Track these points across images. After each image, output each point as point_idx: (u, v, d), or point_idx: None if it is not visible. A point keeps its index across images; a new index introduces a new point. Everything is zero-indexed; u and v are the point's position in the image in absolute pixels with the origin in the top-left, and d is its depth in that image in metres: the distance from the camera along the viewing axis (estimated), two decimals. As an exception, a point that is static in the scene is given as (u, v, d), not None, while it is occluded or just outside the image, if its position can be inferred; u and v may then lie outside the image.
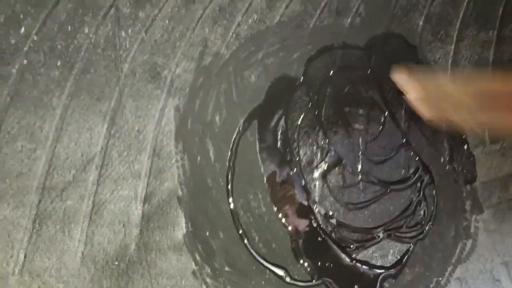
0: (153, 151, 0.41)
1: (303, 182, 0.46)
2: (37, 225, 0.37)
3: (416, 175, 0.50)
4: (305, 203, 0.46)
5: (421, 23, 0.49)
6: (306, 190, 0.46)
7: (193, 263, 0.42)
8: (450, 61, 0.50)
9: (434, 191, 0.50)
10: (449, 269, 0.49)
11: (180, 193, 0.42)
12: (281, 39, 0.45)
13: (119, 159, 0.40)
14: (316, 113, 0.47)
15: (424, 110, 0.40)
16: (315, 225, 0.46)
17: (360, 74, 0.48)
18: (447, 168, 0.52)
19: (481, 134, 0.43)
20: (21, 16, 0.35)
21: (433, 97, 0.40)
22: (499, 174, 0.52)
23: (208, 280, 0.43)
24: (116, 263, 0.40)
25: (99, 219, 0.39)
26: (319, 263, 0.45)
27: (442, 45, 0.50)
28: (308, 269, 0.46)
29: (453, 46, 0.50)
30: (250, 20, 0.43)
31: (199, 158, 0.43)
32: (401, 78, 0.40)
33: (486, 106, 0.37)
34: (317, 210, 0.46)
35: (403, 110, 0.50)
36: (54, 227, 0.38)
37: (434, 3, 0.48)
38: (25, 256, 0.37)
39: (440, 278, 0.49)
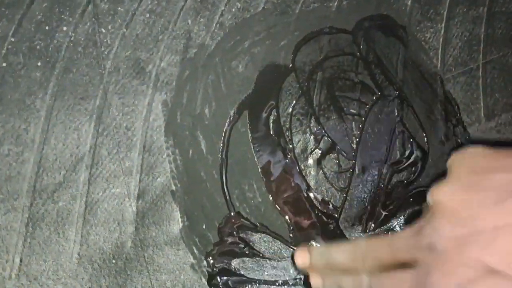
0: (143, 147, 0.41)
1: (298, 170, 0.46)
2: (31, 228, 0.37)
3: (412, 158, 0.50)
4: (302, 190, 0.46)
5: (409, 3, 0.48)
6: (302, 177, 0.46)
7: (191, 257, 0.42)
8: (441, 39, 0.50)
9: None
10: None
11: (173, 187, 0.42)
12: (267, 27, 0.44)
13: (109, 157, 0.40)
14: (307, 99, 0.46)
15: (313, 280, 0.40)
16: (314, 211, 0.46)
17: (349, 58, 0.48)
18: (443, 148, 0.51)
19: None
20: (-4, 18, 0.35)
21: (322, 266, 0.40)
22: (495, 151, 0.52)
23: (207, 272, 0.43)
24: (114, 261, 0.40)
25: (93, 218, 0.39)
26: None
27: (432, 24, 0.49)
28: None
29: (443, 25, 0.49)
30: (233, 9, 0.42)
31: (190, 152, 0.43)
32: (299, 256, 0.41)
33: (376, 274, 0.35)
34: (313, 196, 0.46)
35: (395, 92, 0.49)
36: (48, 229, 0.38)
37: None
38: (21, 260, 0.37)
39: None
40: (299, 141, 0.46)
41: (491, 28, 0.50)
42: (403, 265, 0.34)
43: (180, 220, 0.42)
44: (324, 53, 0.47)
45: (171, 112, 0.42)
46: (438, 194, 0.32)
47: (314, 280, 0.41)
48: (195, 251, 0.42)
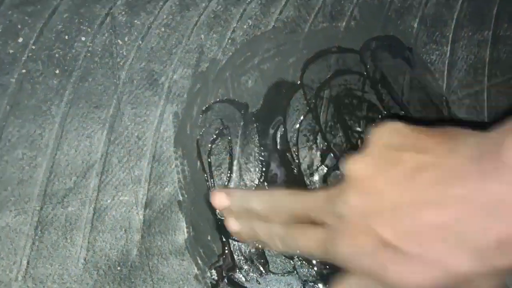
0: (152, 157, 0.41)
1: (303, 185, 0.46)
2: (39, 232, 0.38)
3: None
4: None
5: (415, 25, 0.49)
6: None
7: (195, 268, 0.43)
8: (446, 62, 0.51)
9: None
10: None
11: (180, 197, 0.42)
12: (277, 45, 0.46)
13: (119, 165, 0.40)
14: (314, 116, 0.47)
15: (229, 223, 0.41)
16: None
17: (356, 77, 0.49)
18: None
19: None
20: (19, 26, 0.36)
21: (238, 210, 0.40)
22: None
23: (210, 284, 0.43)
24: (119, 268, 0.40)
25: (100, 225, 0.40)
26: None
27: (438, 46, 0.50)
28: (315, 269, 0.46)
29: (449, 47, 0.50)
30: (245, 26, 0.44)
31: (198, 163, 0.43)
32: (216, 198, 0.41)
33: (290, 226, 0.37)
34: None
35: (401, 112, 0.50)
36: (56, 233, 0.38)
37: (428, 4, 0.49)
38: (28, 263, 0.37)
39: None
40: (305, 157, 0.47)
41: (496, 51, 0.51)
42: (314, 224, 0.35)
43: (185, 230, 0.42)
44: (332, 71, 0.48)
45: (181, 123, 0.43)
46: (351, 165, 0.33)
47: (230, 223, 0.41)
48: (199, 262, 0.42)
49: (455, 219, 0.28)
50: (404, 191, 0.30)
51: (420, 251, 0.29)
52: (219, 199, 0.41)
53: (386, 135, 0.34)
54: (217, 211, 0.43)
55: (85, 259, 0.39)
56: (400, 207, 0.30)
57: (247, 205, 0.40)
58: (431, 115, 0.51)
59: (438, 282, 0.29)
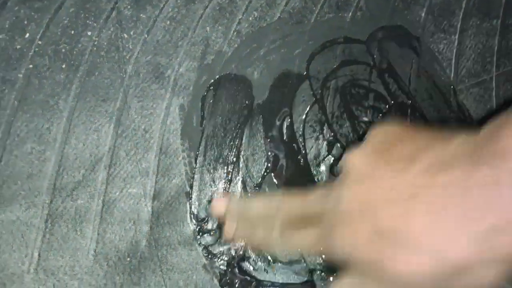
0: (160, 149, 0.42)
1: (310, 175, 0.47)
2: (50, 225, 0.38)
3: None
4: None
5: (423, 14, 0.49)
6: (314, 183, 0.46)
7: (203, 258, 0.43)
8: (454, 51, 0.50)
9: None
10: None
11: (188, 189, 0.43)
12: (282, 36, 0.45)
13: (126, 158, 0.41)
14: (320, 107, 0.47)
15: (227, 229, 0.41)
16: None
17: (363, 67, 0.49)
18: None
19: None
20: (25, 21, 0.36)
21: (237, 216, 0.41)
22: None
23: (219, 273, 0.43)
24: (128, 259, 0.41)
25: (109, 217, 0.40)
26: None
27: (446, 35, 0.50)
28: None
29: (457, 36, 0.50)
30: (250, 18, 0.43)
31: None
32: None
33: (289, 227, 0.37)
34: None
35: (408, 101, 0.50)
36: (66, 226, 0.39)
37: (435, -6, 0.48)
38: (39, 255, 0.38)
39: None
40: (312, 147, 0.47)
41: (505, 40, 0.51)
42: (312, 223, 0.36)
43: (194, 220, 0.43)
44: (338, 62, 0.48)
45: (188, 116, 0.43)
46: (350, 159, 0.34)
47: (228, 228, 0.41)
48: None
49: (451, 204, 0.28)
50: (398, 180, 0.31)
51: (416, 238, 0.29)
52: (218, 206, 0.42)
53: (382, 133, 0.35)
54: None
55: (95, 251, 0.40)
56: (394, 196, 0.30)
57: (245, 209, 0.41)
58: (438, 103, 0.51)
59: (436, 270, 0.29)
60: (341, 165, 0.35)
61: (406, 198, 0.30)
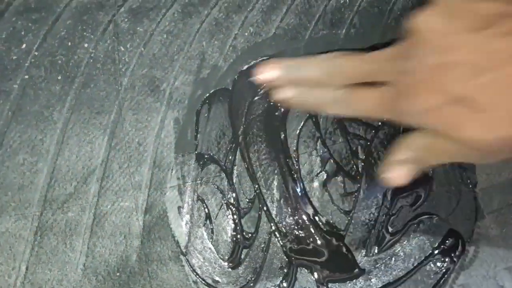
0: (153, 162, 0.42)
1: (303, 191, 0.47)
2: (39, 237, 0.38)
3: (416, 184, 0.50)
4: (307, 211, 0.46)
5: (415, 32, 0.50)
6: (307, 198, 0.46)
7: (194, 274, 0.43)
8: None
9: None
10: (452, 275, 0.49)
11: (180, 203, 0.43)
12: (277, 51, 0.46)
13: (119, 171, 0.40)
14: (314, 122, 0.47)
15: (278, 92, 0.39)
16: (318, 233, 0.46)
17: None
18: (447, 175, 0.52)
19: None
20: (22, 32, 0.36)
21: (288, 79, 0.38)
22: (498, 180, 0.52)
23: (209, 291, 0.43)
24: (118, 274, 0.40)
25: (100, 230, 0.40)
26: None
27: (437, 53, 0.51)
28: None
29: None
30: (246, 33, 0.44)
31: (199, 169, 0.43)
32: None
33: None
34: (317, 218, 0.47)
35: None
36: (56, 239, 0.38)
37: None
38: (27, 268, 0.37)
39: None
40: (305, 163, 0.47)
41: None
42: (372, 84, 0.34)
43: (185, 236, 0.43)
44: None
45: (182, 129, 0.43)
46: (420, 20, 0.31)
47: (280, 92, 0.39)
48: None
49: None
50: (481, 44, 0.29)
51: (500, 103, 0.28)
52: (267, 71, 0.39)
53: None
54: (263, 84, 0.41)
55: (84, 265, 0.39)
56: (477, 61, 0.28)
57: (298, 73, 0.38)
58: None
59: None
60: (410, 25, 0.32)
61: (491, 65, 0.28)
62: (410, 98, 0.31)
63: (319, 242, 0.46)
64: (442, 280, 0.48)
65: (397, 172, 0.36)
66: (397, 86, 0.33)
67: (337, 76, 0.37)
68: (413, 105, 0.31)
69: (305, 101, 0.39)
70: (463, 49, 0.29)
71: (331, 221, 0.47)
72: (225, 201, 0.44)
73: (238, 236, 0.44)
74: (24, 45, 0.36)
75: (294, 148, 0.47)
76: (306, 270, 0.46)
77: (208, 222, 0.43)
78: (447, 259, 0.50)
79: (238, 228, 0.44)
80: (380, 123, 0.49)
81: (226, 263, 0.44)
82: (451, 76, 0.29)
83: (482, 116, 0.29)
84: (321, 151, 0.48)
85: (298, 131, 0.47)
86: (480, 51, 0.29)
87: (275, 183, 0.46)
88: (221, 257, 0.44)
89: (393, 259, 0.49)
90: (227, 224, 0.44)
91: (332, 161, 0.48)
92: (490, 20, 0.29)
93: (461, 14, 0.30)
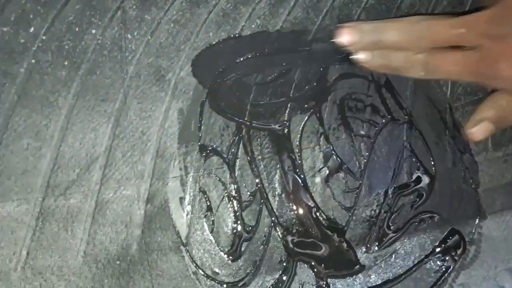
0: (156, 152, 0.42)
1: (305, 186, 0.47)
2: (40, 223, 0.38)
3: (419, 183, 0.50)
4: (308, 206, 0.46)
5: (422, 30, 0.49)
6: (308, 194, 0.46)
7: (194, 265, 0.43)
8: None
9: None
10: (452, 275, 0.48)
11: (182, 194, 0.43)
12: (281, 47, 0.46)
13: (122, 159, 0.40)
14: (318, 118, 0.47)
15: (360, 55, 0.40)
16: (319, 228, 0.46)
17: (361, 80, 0.49)
18: (450, 175, 0.52)
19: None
20: (31, 15, 0.36)
21: (371, 43, 0.39)
22: (501, 181, 0.52)
23: (208, 282, 0.43)
24: (118, 262, 0.40)
25: (101, 218, 0.40)
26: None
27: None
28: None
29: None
30: (253, 25, 0.44)
31: (202, 160, 0.43)
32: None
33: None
34: (318, 213, 0.46)
35: (405, 117, 0.50)
36: (57, 225, 0.38)
37: (436, 9, 0.49)
38: (27, 253, 0.37)
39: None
40: (307, 158, 0.47)
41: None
42: (458, 48, 0.35)
43: (186, 226, 0.42)
44: (337, 74, 0.48)
45: (186, 120, 0.43)
46: None
47: (362, 54, 0.40)
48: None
49: None
50: None
51: None
52: (350, 34, 0.39)
53: None
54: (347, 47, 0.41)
55: (84, 252, 0.39)
56: None
57: (380, 37, 0.38)
58: (434, 120, 0.52)
59: None
60: None
61: None
62: (499, 63, 0.32)
63: (319, 237, 0.46)
64: (442, 279, 0.48)
65: (479, 128, 0.38)
66: (483, 50, 0.33)
67: (422, 40, 0.37)
68: (500, 70, 0.32)
69: (387, 64, 0.40)
70: None
71: (332, 217, 0.47)
72: (226, 193, 0.44)
73: (239, 228, 0.44)
74: (32, 29, 0.36)
75: (297, 143, 0.47)
76: (305, 265, 0.46)
77: (209, 213, 0.43)
78: (447, 258, 0.50)
79: (239, 220, 0.44)
80: (384, 121, 0.49)
81: (226, 255, 0.44)
82: None
83: None
84: (324, 147, 0.48)
85: (301, 126, 0.47)
86: None
87: (277, 177, 0.46)
88: (221, 249, 0.44)
89: (393, 256, 0.49)
90: (228, 216, 0.44)
91: (334, 157, 0.48)
92: None
93: None
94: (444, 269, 0.49)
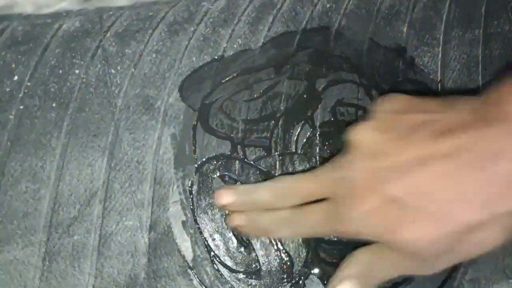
0: (154, 179, 0.42)
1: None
2: (47, 262, 0.38)
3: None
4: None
5: (405, 29, 0.50)
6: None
7: (203, 287, 0.43)
8: (439, 63, 0.51)
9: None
10: (461, 271, 0.48)
11: (184, 217, 0.43)
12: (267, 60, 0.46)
13: (121, 190, 0.41)
14: (310, 126, 0.48)
15: (233, 218, 0.41)
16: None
17: (349, 85, 0.49)
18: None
19: None
20: (13, 65, 0.37)
21: (243, 204, 0.40)
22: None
23: (219, 302, 0.43)
24: (128, 292, 0.40)
25: (107, 251, 0.40)
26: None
27: (429, 48, 0.50)
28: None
29: (440, 49, 0.51)
30: (235, 45, 0.45)
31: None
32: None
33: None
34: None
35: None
36: (64, 262, 0.39)
37: (416, 9, 0.49)
38: (38, 294, 0.38)
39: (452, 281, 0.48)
40: (303, 168, 0.47)
41: (488, 49, 0.51)
42: (321, 201, 0.36)
43: (191, 250, 0.43)
44: (325, 82, 0.48)
45: (180, 144, 0.43)
46: (355, 131, 0.35)
47: (235, 217, 0.41)
48: (207, 280, 0.43)
49: (457, 168, 0.29)
50: (407, 148, 0.32)
51: (429, 205, 0.30)
52: (223, 196, 0.41)
53: (388, 103, 0.36)
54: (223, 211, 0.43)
55: (93, 286, 0.40)
56: (404, 164, 0.31)
57: (251, 197, 0.40)
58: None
59: (450, 236, 0.30)
60: (348, 139, 0.36)
61: (417, 166, 0.31)
62: (351, 203, 0.33)
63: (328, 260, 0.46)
64: (451, 275, 0.48)
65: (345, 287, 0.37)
66: (338, 197, 0.35)
67: (285, 198, 0.38)
68: (354, 209, 0.33)
69: (256, 227, 0.41)
70: (392, 154, 0.32)
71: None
72: (228, 213, 0.44)
73: (245, 245, 0.44)
74: (16, 77, 0.37)
75: (292, 151, 0.47)
76: (318, 279, 0.46)
77: (214, 234, 0.44)
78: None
79: (244, 238, 0.44)
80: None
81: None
82: (384, 178, 0.32)
83: (416, 218, 0.31)
84: (318, 154, 0.48)
85: (295, 136, 0.47)
86: (405, 155, 0.32)
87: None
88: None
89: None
90: (232, 236, 0.44)
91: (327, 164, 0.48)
92: (414, 128, 0.32)
93: (391, 125, 0.34)
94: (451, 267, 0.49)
